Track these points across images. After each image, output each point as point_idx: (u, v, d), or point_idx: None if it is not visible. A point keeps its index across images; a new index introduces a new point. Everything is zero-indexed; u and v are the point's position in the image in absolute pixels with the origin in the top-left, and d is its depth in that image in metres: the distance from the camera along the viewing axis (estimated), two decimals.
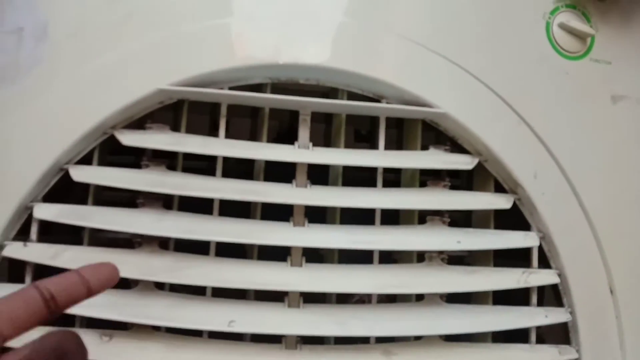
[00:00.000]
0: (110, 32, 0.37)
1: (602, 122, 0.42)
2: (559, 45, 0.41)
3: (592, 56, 0.42)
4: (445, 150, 0.41)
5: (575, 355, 0.40)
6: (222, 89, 0.38)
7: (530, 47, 0.41)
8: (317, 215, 0.39)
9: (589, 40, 0.42)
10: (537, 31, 0.41)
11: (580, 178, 0.41)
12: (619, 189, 0.42)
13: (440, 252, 0.39)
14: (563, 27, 0.41)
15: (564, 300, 0.41)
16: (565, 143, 0.41)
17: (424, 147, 0.41)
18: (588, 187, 0.41)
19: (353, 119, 0.45)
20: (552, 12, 0.41)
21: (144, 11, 0.37)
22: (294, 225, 0.37)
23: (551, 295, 0.43)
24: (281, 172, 0.39)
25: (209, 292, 0.37)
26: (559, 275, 0.40)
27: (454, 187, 0.42)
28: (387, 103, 0.40)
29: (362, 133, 0.54)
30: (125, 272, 0.35)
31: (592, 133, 0.42)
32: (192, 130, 0.39)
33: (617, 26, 0.43)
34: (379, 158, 0.39)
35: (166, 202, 0.38)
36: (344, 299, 0.41)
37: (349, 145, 0.43)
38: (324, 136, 0.46)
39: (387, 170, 0.41)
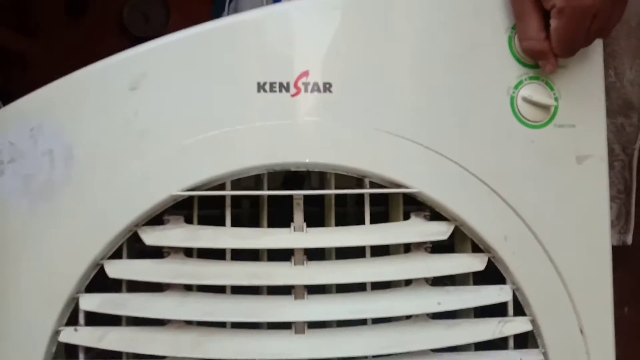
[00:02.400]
0: (128, 148, 0.43)
1: (568, 182, 0.46)
2: (523, 117, 0.45)
3: (557, 122, 0.46)
4: (425, 217, 0.46)
5: None
6: (224, 183, 0.44)
7: (497, 122, 0.45)
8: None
9: (552, 108, 0.46)
10: (503, 107, 0.45)
11: (549, 236, 0.46)
12: (586, 241, 0.47)
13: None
14: (527, 100, 0.45)
15: (538, 342, 0.46)
16: (533, 206, 0.45)
17: (407, 213, 0.47)
18: (557, 243, 0.46)
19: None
20: (516, 87, 0.45)
21: (152, 129, 0.43)
22: (295, 298, 0.44)
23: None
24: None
25: None
26: (532, 321, 0.46)
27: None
28: (370, 181, 0.45)
29: None
30: (156, 350, 0.43)
31: (559, 193, 0.46)
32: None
33: (579, 90, 0.46)
34: (366, 236, 0.44)
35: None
36: None
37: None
38: None
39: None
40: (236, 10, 0.90)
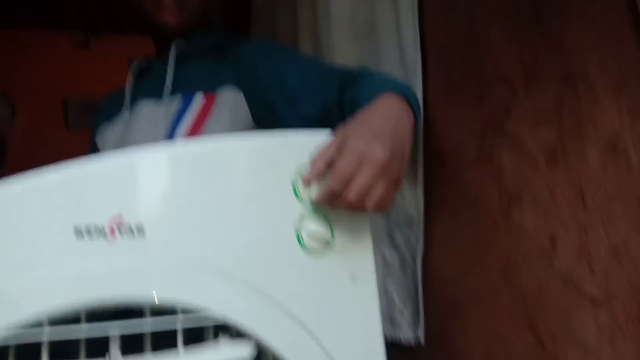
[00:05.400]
0: None
1: (345, 297, 0.58)
2: (307, 246, 0.57)
3: (334, 249, 0.58)
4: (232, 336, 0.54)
5: None
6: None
7: (287, 253, 0.56)
8: None
9: (330, 239, 0.58)
10: (290, 239, 0.56)
11: (331, 343, 0.56)
12: (363, 341, 0.58)
13: None
14: (309, 233, 0.57)
15: None
16: (318, 319, 0.56)
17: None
18: (339, 348, 0.56)
19: None
20: (300, 222, 0.57)
21: None
22: None
23: None
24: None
25: None
26: None
27: None
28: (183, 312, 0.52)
29: None
30: None
31: (338, 307, 0.57)
32: None
33: (350, 225, 0.59)
34: None
35: None
36: None
37: None
38: None
39: None
40: (129, 125, 0.95)
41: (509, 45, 0.75)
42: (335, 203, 0.57)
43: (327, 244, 0.58)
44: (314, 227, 0.57)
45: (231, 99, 0.88)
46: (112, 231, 0.51)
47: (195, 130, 0.87)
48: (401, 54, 0.94)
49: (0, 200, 0.51)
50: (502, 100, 0.77)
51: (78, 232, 0.51)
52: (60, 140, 2.79)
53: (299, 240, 0.57)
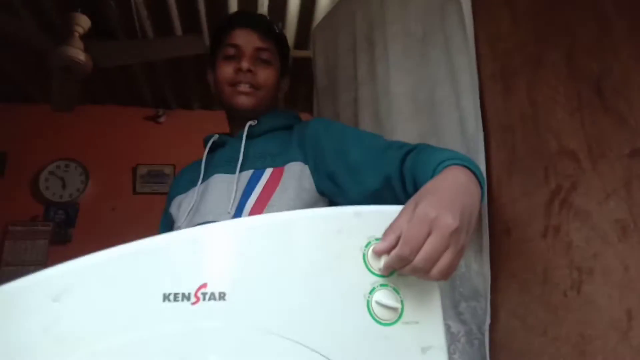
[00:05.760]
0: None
1: None
2: (377, 317, 0.58)
3: (404, 320, 0.59)
4: None
5: None
6: None
7: (356, 321, 0.57)
8: None
9: (399, 309, 0.59)
10: (360, 309, 0.58)
11: None
12: None
13: None
14: (379, 303, 0.58)
15: None
16: None
17: None
18: None
19: None
20: (371, 292, 0.59)
21: (68, 336, 0.51)
22: None
23: None
24: None
25: None
26: None
27: None
28: None
29: None
30: None
31: None
32: None
33: (419, 295, 0.60)
34: None
35: None
36: None
37: None
38: None
39: None
40: (203, 196, 1.01)
41: (572, 122, 0.77)
42: (402, 268, 0.58)
43: (397, 314, 0.59)
44: (384, 297, 0.59)
45: (297, 172, 0.93)
46: (197, 298, 0.55)
47: (264, 200, 0.92)
48: (462, 129, 0.97)
49: (97, 272, 0.56)
50: (568, 174, 0.78)
51: (166, 298, 0.54)
52: (126, 203, 2.99)
53: (369, 311, 0.58)
